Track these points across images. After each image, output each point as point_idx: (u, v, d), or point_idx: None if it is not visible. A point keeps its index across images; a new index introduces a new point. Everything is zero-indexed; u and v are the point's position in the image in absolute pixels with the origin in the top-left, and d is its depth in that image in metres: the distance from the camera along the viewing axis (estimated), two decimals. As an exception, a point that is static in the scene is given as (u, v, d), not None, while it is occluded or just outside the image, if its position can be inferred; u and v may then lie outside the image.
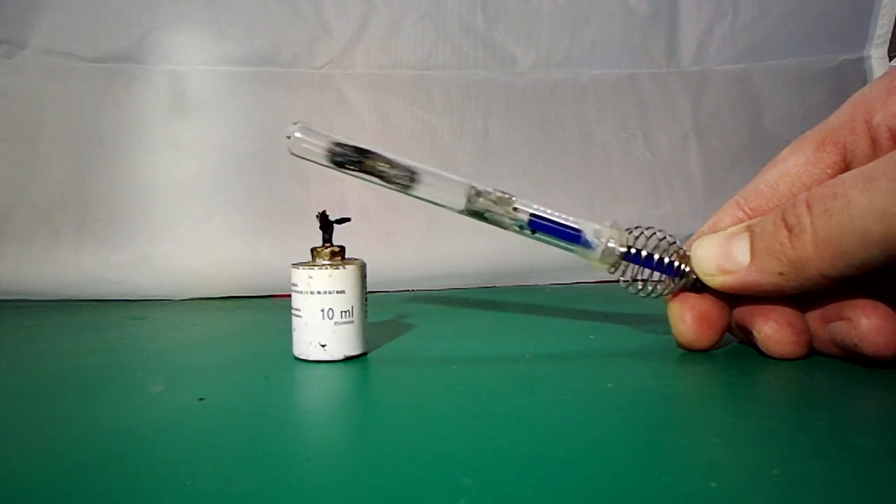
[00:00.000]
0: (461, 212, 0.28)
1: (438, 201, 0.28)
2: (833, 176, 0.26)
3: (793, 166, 0.27)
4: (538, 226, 0.28)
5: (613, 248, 0.28)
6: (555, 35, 0.59)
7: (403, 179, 0.27)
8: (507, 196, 0.28)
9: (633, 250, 0.28)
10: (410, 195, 0.27)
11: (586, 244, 0.28)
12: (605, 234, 0.28)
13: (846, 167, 0.26)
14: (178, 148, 0.54)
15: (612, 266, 0.28)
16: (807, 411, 0.22)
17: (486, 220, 0.28)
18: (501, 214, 0.28)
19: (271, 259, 0.53)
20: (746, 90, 0.62)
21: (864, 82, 0.62)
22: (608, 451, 0.19)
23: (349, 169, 0.27)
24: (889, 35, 0.61)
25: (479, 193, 0.28)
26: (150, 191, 0.54)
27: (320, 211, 0.30)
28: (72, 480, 0.17)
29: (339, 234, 0.30)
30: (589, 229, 0.28)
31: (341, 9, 0.55)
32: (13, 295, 0.52)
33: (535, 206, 0.28)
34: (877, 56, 0.62)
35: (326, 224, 0.30)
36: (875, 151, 0.26)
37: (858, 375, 0.25)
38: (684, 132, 0.62)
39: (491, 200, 0.28)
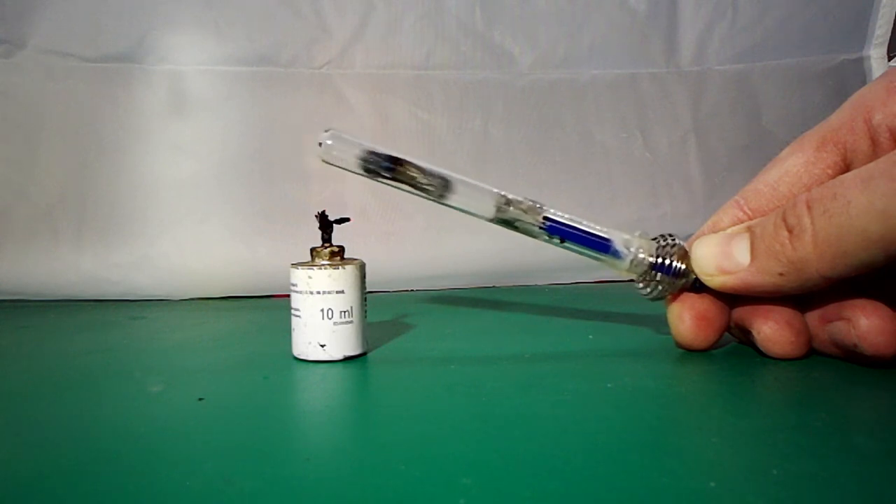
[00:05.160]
0: (491, 220, 0.28)
1: (469, 209, 0.28)
2: (833, 176, 0.26)
3: (793, 166, 0.27)
4: (567, 235, 0.28)
5: (643, 259, 0.28)
6: (554, 35, 0.59)
7: (436, 188, 0.27)
8: (536, 205, 0.28)
9: (660, 260, 0.28)
10: (442, 203, 0.28)
11: (616, 254, 0.28)
12: (634, 244, 0.28)
13: (846, 167, 0.26)
14: (178, 148, 0.54)
15: (641, 276, 0.29)
16: (806, 411, 0.22)
17: (515, 228, 0.28)
18: (531, 223, 0.28)
19: (270, 259, 0.53)
20: (746, 90, 0.62)
21: (864, 82, 0.62)
22: (608, 451, 0.19)
23: (381, 177, 0.27)
24: (888, 35, 0.61)
25: (508, 202, 0.28)
26: (149, 191, 0.54)
27: (320, 211, 0.30)
28: (72, 480, 0.17)
29: (339, 234, 0.30)
30: (618, 239, 0.28)
31: (341, 9, 0.55)
32: (13, 295, 0.52)
33: (565, 216, 0.28)
34: (876, 56, 0.62)
35: (326, 224, 0.30)
36: (875, 151, 0.26)
37: (858, 375, 0.25)
38: (684, 132, 0.62)
39: (521, 209, 0.28)
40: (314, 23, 0.55)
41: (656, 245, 0.29)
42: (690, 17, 0.61)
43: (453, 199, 0.28)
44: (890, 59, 0.61)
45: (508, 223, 0.28)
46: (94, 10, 0.52)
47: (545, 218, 0.28)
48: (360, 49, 0.56)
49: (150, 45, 0.53)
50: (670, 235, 0.29)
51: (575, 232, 0.28)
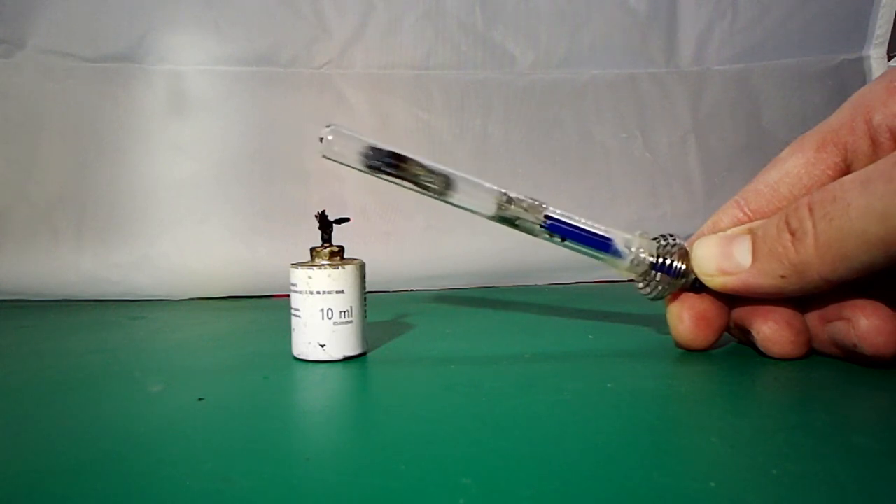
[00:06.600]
0: (491, 218, 0.28)
1: (470, 207, 0.28)
2: (834, 177, 0.26)
3: (793, 167, 0.27)
4: (568, 234, 0.28)
5: (644, 258, 0.28)
6: (554, 35, 0.59)
7: (437, 185, 0.27)
8: (537, 203, 0.28)
9: (660, 260, 0.28)
10: (443, 201, 0.28)
11: (616, 253, 0.28)
12: (634, 244, 0.28)
13: (847, 168, 0.26)
14: (178, 148, 0.54)
15: (641, 276, 0.29)
16: (806, 411, 0.22)
17: (516, 226, 0.28)
18: (532, 222, 0.28)
19: (270, 259, 0.53)
20: (746, 90, 0.62)
21: (864, 82, 0.62)
22: (608, 451, 0.19)
23: (382, 174, 0.27)
24: (888, 35, 0.61)
25: (510, 200, 0.28)
26: (149, 191, 0.54)
27: (319, 211, 0.30)
28: (72, 480, 0.17)
29: (339, 234, 0.30)
30: (619, 238, 0.28)
31: (340, 9, 0.55)
32: (13, 295, 0.52)
33: (566, 214, 0.28)
34: (876, 56, 0.62)
35: (325, 224, 0.30)
36: (876, 152, 0.26)
37: (858, 375, 0.25)
38: (683, 132, 0.62)
39: (522, 208, 0.28)
40: (314, 23, 0.55)
41: (657, 245, 0.29)
42: (690, 17, 0.61)
43: (454, 197, 0.28)
44: (890, 59, 0.61)
45: (509, 221, 0.28)
46: (94, 10, 0.52)
47: (546, 216, 0.28)
48: (360, 49, 0.56)
49: (150, 45, 0.53)
50: (671, 235, 0.29)
51: (576, 231, 0.28)
